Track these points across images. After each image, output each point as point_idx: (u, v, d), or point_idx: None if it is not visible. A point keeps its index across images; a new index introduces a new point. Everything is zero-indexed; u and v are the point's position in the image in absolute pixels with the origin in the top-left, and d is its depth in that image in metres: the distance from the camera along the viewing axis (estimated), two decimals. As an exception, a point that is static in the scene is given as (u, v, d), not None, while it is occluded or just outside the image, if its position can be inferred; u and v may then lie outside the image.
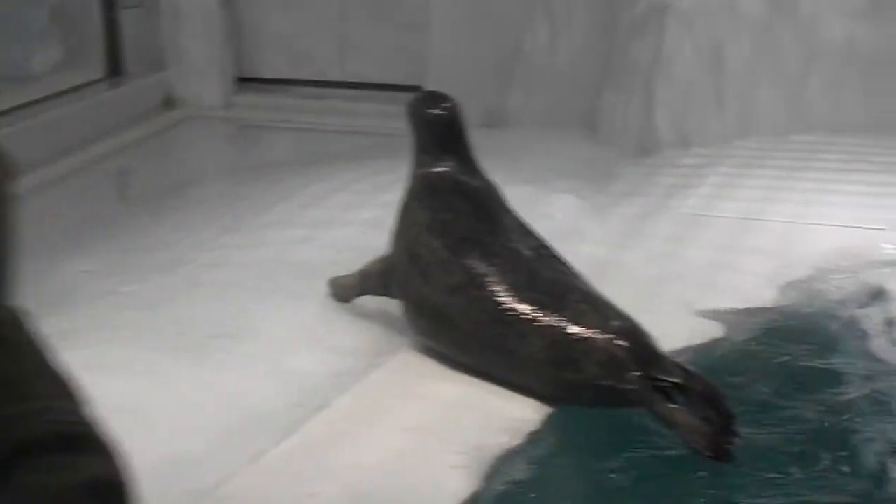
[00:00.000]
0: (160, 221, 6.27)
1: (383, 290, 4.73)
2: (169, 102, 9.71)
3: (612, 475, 3.75)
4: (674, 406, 3.84)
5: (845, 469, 3.78)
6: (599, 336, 4.02)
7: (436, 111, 4.75)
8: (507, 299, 4.19)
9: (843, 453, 3.86)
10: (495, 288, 4.23)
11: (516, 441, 3.92)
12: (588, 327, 4.05)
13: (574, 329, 4.06)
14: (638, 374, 3.91)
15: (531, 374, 4.16)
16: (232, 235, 5.84)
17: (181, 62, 9.79)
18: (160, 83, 9.71)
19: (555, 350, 4.07)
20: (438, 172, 4.66)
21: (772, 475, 3.75)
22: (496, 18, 8.91)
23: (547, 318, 4.11)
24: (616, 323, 4.08)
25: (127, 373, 4.20)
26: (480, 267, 4.29)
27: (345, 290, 4.91)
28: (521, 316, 4.14)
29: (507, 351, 4.18)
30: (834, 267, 5.54)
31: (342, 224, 5.84)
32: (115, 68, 9.50)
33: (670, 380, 3.87)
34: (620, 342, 4.00)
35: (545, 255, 4.44)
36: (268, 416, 4.10)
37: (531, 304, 4.16)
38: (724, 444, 3.76)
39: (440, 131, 4.72)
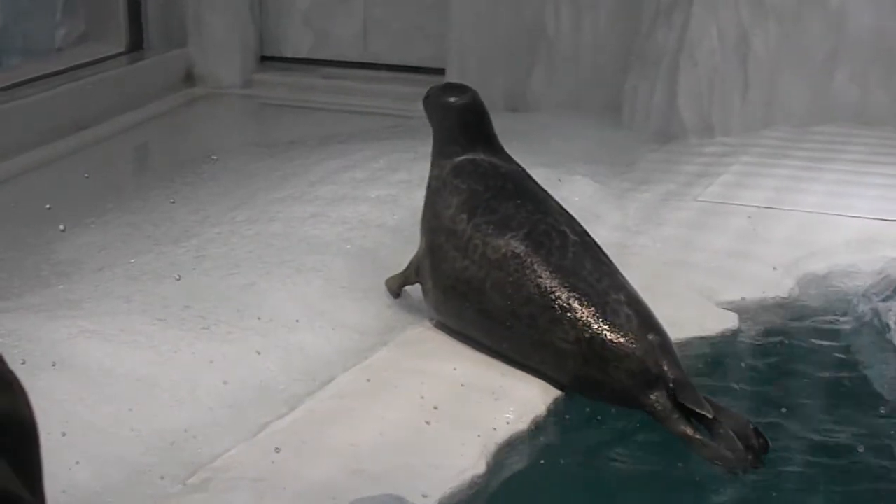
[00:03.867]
0: (172, 196, 6.22)
1: (418, 277, 4.63)
2: (189, 78, 9.66)
3: (615, 465, 3.69)
4: (697, 436, 3.74)
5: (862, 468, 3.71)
6: (636, 346, 3.92)
7: (457, 99, 4.69)
8: (547, 282, 4.09)
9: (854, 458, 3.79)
10: (537, 268, 4.12)
11: (522, 424, 3.86)
12: (626, 334, 3.95)
13: (612, 332, 3.95)
14: (666, 394, 3.83)
15: (553, 360, 4.07)
16: (242, 210, 5.78)
17: (203, 38, 9.74)
18: (181, 59, 9.66)
19: (587, 346, 3.97)
20: (469, 159, 4.56)
21: (776, 477, 3.69)
22: (519, 1, 8.81)
23: (585, 312, 4.00)
24: (654, 337, 3.97)
25: (132, 343, 4.16)
26: (524, 244, 4.18)
27: (394, 283, 4.79)
28: (559, 302, 4.04)
29: (534, 333, 4.08)
30: (855, 259, 5.45)
31: (353, 201, 5.77)
32: (136, 42, 9.46)
33: (700, 412, 3.75)
34: (656, 358, 3.90)
35: (590, 242, 4.31)
36: (271, 391, 4.06)
37: (572, 292, 4.05)
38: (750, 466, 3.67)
39: (465, 120, 4.64)
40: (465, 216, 4.38)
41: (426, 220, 4.59)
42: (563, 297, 4.04)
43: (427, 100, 4.82)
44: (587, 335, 3.97)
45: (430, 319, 4.59)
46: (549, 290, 4.07)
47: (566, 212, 4.45)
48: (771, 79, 7.73)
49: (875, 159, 6.98)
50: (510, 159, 4.64)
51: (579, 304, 4.02)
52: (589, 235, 4.35)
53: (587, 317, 4.00)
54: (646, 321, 4.02)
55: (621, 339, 3.94)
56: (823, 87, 7.75)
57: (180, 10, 9.70)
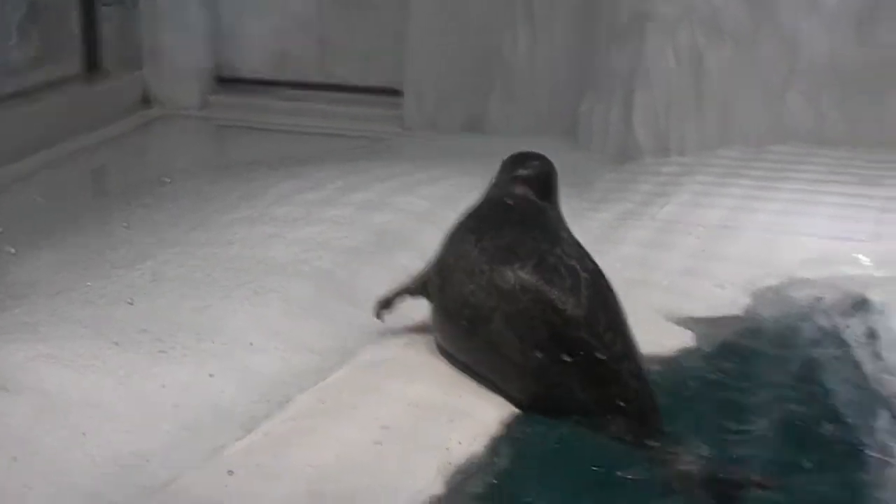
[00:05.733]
0: (128, 218, 6.18)
1: (422, 290, 4.50)
2: (146, 100, 9.65)
3: (573, 488, 3.68)
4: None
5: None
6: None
7: (527, 170, 4.60)
8: (559, 320, 3.98)
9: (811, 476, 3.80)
10: (548, 301, 4.00)
11: (481, 445, 3.84)
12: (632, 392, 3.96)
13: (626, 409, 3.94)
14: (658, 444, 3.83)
15: (550, 395, 4.03)
16: (198, 233, 5.75)
17: (159, 61, 9.73)
18: (138, 81, 9.65)
19: (593, 389, 3.96)
20: (505, 191, 4.54)
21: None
22: (476, 23, 8.86)
23: (596, 378, 3.97)
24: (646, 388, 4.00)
25: (87, 367, 4.11)
26: (533, 277, 4.04)
27: (391, 293, 4.64)
28: (573, 342, 3.96)
29: (540, 375, 4.02)
30: (810, 277, 5.49)
31: (310, 222, 5.75)
32: (92, 65, 9.45)
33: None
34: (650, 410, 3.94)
35: (602, 285, 4.15)
36: (228, 413, 4.02)
37: (588, 334, 3.97)
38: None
39: (533, 188, 4.55)
40: (472, 239, 4.28)
41: (443, 242, 4.48)
42: (578, 339, 3.96)
43: (501, 166, 4.75)
44: (596, 381, 3.95)
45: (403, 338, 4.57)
46: (560, 332, 3.98)
47: (580, 247, 4.32)
48: (726, 99, 7.81)
49: (830, 178, 7.06)
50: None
51: (590, 366, 3.96)
52: (601, 274, 4.19)
53: (596, 382, 3.96)
54: (651, 397, 4.01)
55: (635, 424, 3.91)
56: (778, 108, 7.84)
57: (136, 33, 9.68)
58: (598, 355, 3.95)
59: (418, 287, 4.52)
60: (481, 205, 4.56)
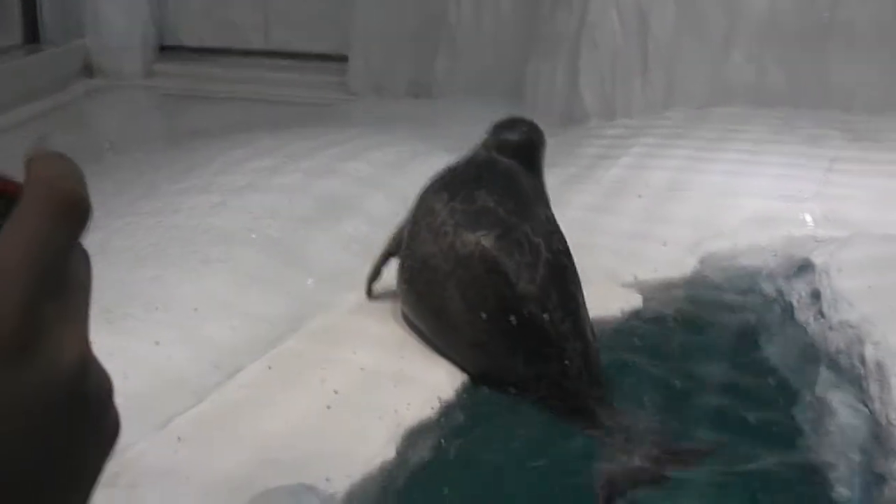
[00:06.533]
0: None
1: (396, 248, 4.48)
2: (88, 70, 9.53)
3: (524, 451, 3.72)
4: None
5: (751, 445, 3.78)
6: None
7: (514, 136, 4.65)
8: (510, 293, 3.99)
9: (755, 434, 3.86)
10: (503, 273, 4.00)
11: (431, 411, 3.86)
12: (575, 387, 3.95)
13: (562, 381, 3.94)
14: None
15: (495, 367, 4.06)
16: (145, 202, 5.70)
17: (101, 29, 9.61)
18: (79, 50, 9.52)
19: (536, 365, 3.97)
20: (490, 154, 4.53)
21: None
22: (421, -13, 8.83)
23: (540, 353, 3.97)
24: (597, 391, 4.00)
25: (33, 339, 4.07)
26: (494, 247, 4.03)
27: (377, 261, 4.62)
28: (522, 317, 3.96)
29: (487, 346, 4.05)
30: (756, 238, 5.53)
31: (257, 190, 5.72)
32: (32, 34, 9.31)
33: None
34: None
35: (563, 265, 4.12)
36: (178, 383, 4.00)
37: (538, 309, 3.97)
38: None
39: (518, 155, 4.57)
40: (443, 198, 4.26)
41: (416, 199, 4.46)
42: (516, 330, 3.98)
43: (487, 132, 4.75)
44: (534, 375, 3.96)
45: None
46: (505, 314, 3.99)
47: (551, 223, 4.28)
48: (670, 61, 7.85)
49: (773, 139, 7.11)
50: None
51: (535, 343, 3.98)
52: (567, 255, 4.16)
53: (539, 359, 3.97)
54: (596, 378, 4.01)
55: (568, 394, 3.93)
56: (721, 69, 7.88)
57: (77, 2, 9.54)
58: (545, 333, 3.96)
59: (396, 245, 4.49)
60: (463, 163, 4.53)
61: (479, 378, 4.06)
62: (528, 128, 4.73)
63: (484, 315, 3.99)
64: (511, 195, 4.27)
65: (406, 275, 4.33)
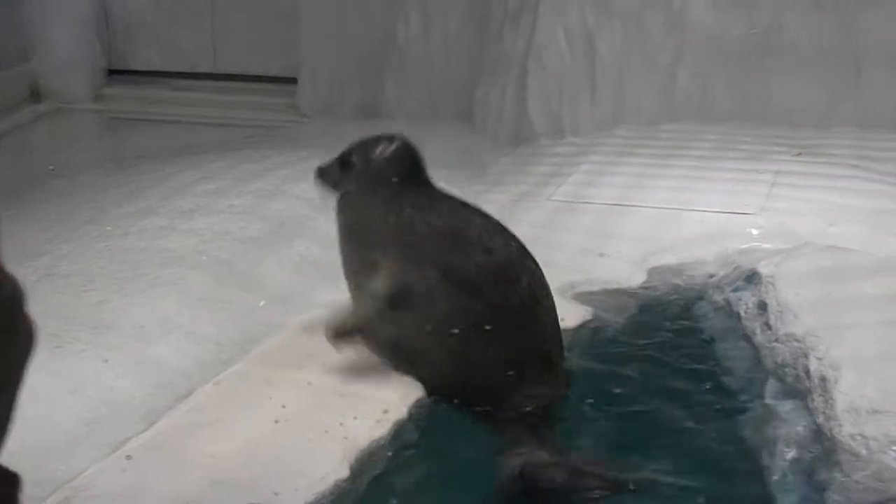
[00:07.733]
0: (18, 215, 6.05)
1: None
2: (35, 94, 9.46)
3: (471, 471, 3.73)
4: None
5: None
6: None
7: (386, 154, 4.29)
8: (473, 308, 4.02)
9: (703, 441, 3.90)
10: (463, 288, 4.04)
11: (382, 430, 3.86)
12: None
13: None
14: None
15: (455, 381, 4.08)
16: (92, 226, 5.66)
17: (48, 53, 9.55)
18: (26, 75, 9.45)
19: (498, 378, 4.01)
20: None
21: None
22: (368, 9, 8.86)
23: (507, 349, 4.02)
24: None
25: (-20, 366, 4.04)
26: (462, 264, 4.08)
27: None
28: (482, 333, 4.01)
29: (448, 361, 4.06)
30: (704, 251, 5.59)
31: (207, 212, 5.71)
32: (-24, 59, 9.23)
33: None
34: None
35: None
36: (128, 407, 3.99)
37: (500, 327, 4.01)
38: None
39: (395, 174, 4.26)
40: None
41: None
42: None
43: (349, 153, 4.43)
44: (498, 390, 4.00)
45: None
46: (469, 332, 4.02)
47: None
48: (618, 80, 7.91)
49: (720, 154, 7.19)
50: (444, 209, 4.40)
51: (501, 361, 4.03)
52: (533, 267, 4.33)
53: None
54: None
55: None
56: (668, 87, 7.96)
57: (23, 25, 9.48)
58: (506, 349, 4.01)
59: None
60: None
61: (439, 392, 4.07)
62: (401, 142, 4.40)
63: (444, 331, 4.01)
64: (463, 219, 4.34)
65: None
